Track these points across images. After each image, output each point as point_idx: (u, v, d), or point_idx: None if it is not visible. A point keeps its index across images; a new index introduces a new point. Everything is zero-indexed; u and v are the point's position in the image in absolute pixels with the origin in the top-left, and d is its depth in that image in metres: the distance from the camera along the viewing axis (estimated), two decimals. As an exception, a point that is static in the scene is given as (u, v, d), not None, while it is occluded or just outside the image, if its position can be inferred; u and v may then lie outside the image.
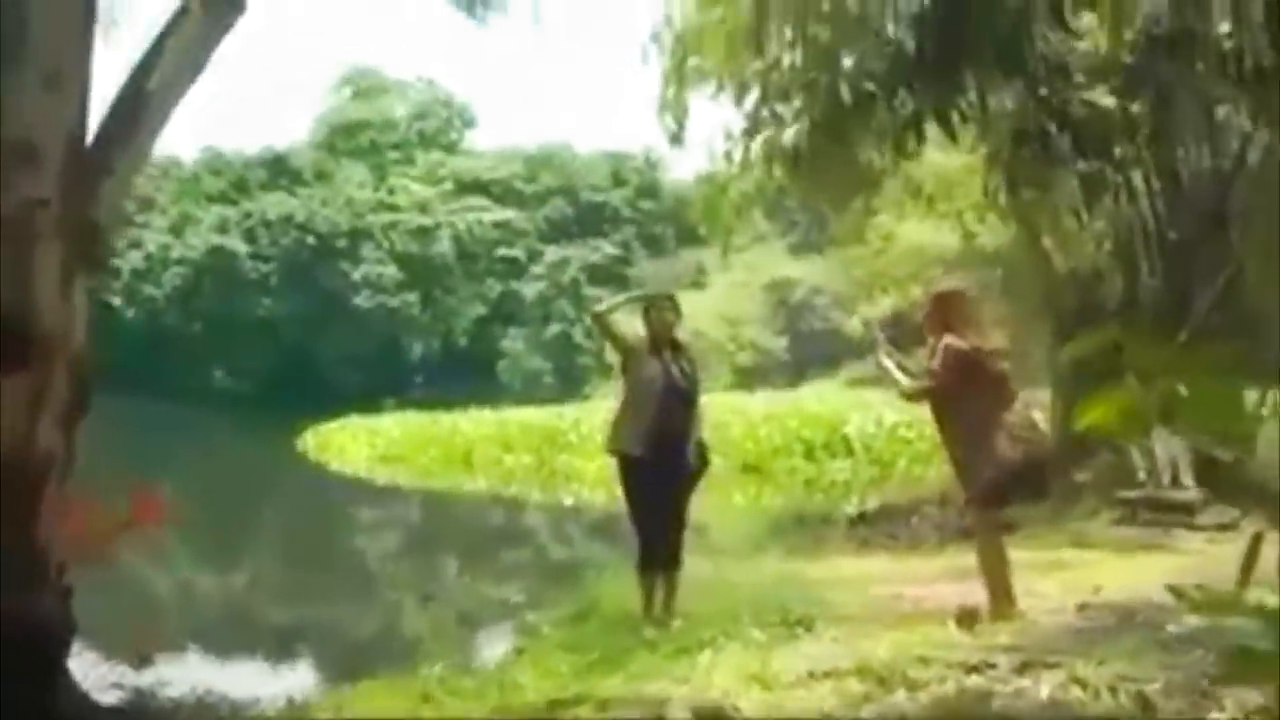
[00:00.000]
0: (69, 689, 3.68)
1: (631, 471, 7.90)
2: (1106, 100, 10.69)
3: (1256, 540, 3.37)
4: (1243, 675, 3.99)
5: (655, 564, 7.85)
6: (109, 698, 4.44)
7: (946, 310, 7.35)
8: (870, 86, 9.19)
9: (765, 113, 12.63)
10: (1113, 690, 5.03)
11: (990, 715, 4.84)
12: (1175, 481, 11.81)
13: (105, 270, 4.04)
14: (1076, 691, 5.10)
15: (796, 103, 10.00)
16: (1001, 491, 7.14)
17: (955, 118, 8.90)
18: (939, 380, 7.10)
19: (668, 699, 4.82)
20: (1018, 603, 7.10)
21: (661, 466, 7.73)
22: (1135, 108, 10.90)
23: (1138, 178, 12.93)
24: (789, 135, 9.85)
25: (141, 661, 4.61)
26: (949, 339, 7.12)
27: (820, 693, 5.22)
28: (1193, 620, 5.74)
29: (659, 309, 8.20)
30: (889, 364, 7.67)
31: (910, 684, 5.26)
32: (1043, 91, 10.16)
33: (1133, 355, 3.36)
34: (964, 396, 7.07)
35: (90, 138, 3.99)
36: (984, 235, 21.90)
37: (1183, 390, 3.39)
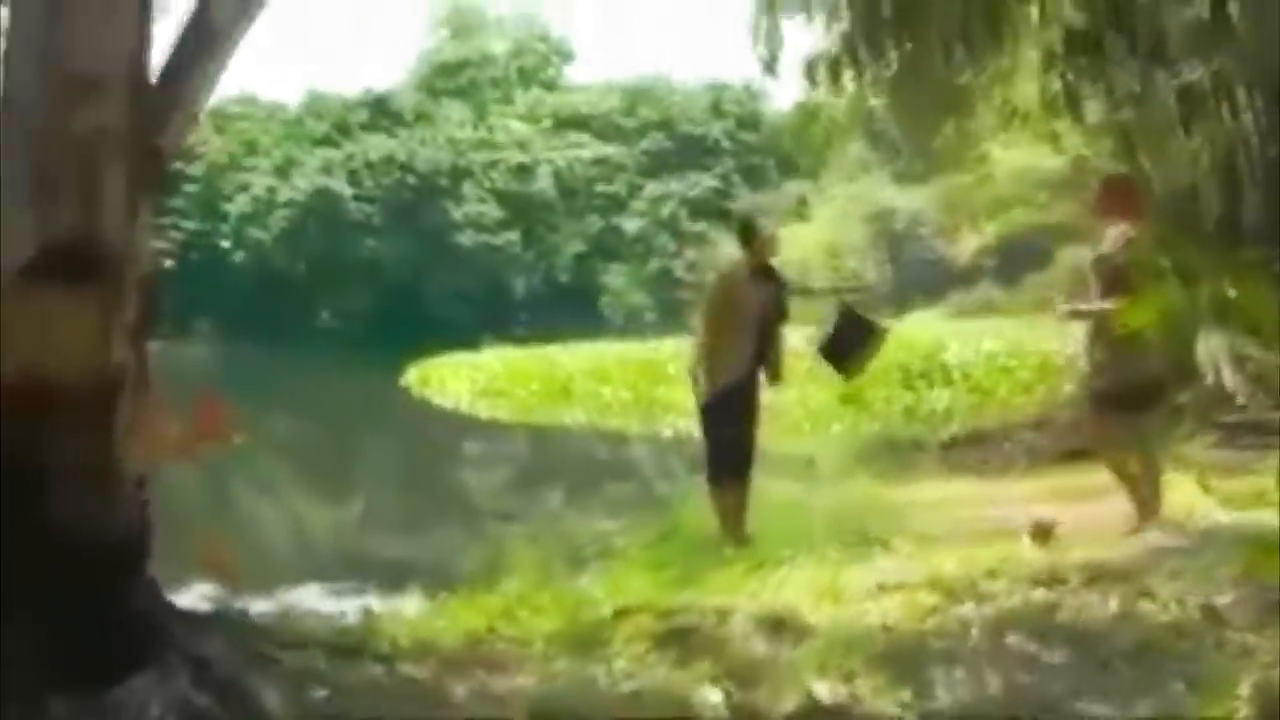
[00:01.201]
0: (150, 593, 3.87)
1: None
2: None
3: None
4: (1256, 568, 3.97)
5: (720, 476, 7.83)
6: (198, 605, 4.63)
7: (1115, 197, 7.22)
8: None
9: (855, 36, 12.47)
10: (1180, 603, 5.01)
11: (1054, 626, 4.86)
12: (1219, 379, 11.47)
13: (166, 194, 4.17)
14: (1145, 604, 5.09)
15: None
16: (1113, 401, 6.94)
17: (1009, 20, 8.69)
18: (1115, 268, 6.83)
19: (731, 610, 4.91)
20: (1157, 512, 6.96)
21: None
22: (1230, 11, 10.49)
23: (1239, 91, 12.53)
24: (828, 45, 9.74)
25: (218, 578, 4.81)
26: (1121, 227, 6.95)
27: (887, 605, 5.28)
28: (1219, 517, 5.69)
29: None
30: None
31: (978, 596, 5.29)
32: None
33: (1178, 258, 3.37)
34: (1115, 292, 6.84)
35: (159, 70, 4.12)
36: (1094, 159, 21.32)
37: (1230, 291, 3.39)
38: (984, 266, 39.41)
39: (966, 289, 39.59)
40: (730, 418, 7.78)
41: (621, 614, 4.91)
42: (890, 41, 9.22)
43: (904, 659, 4.39)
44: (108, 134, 3.59)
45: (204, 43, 4.22)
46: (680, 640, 4.39)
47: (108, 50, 3.60)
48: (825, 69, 10.33)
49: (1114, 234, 6.95)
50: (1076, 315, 7.59)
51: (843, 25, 10.38)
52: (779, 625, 4.66)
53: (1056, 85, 10.84)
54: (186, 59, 4.18)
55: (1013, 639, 4.68)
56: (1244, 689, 3.23)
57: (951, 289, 39.89)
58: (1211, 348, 10.98)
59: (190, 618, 4.06)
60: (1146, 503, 6.91)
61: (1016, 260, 36.97)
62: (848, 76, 12.56)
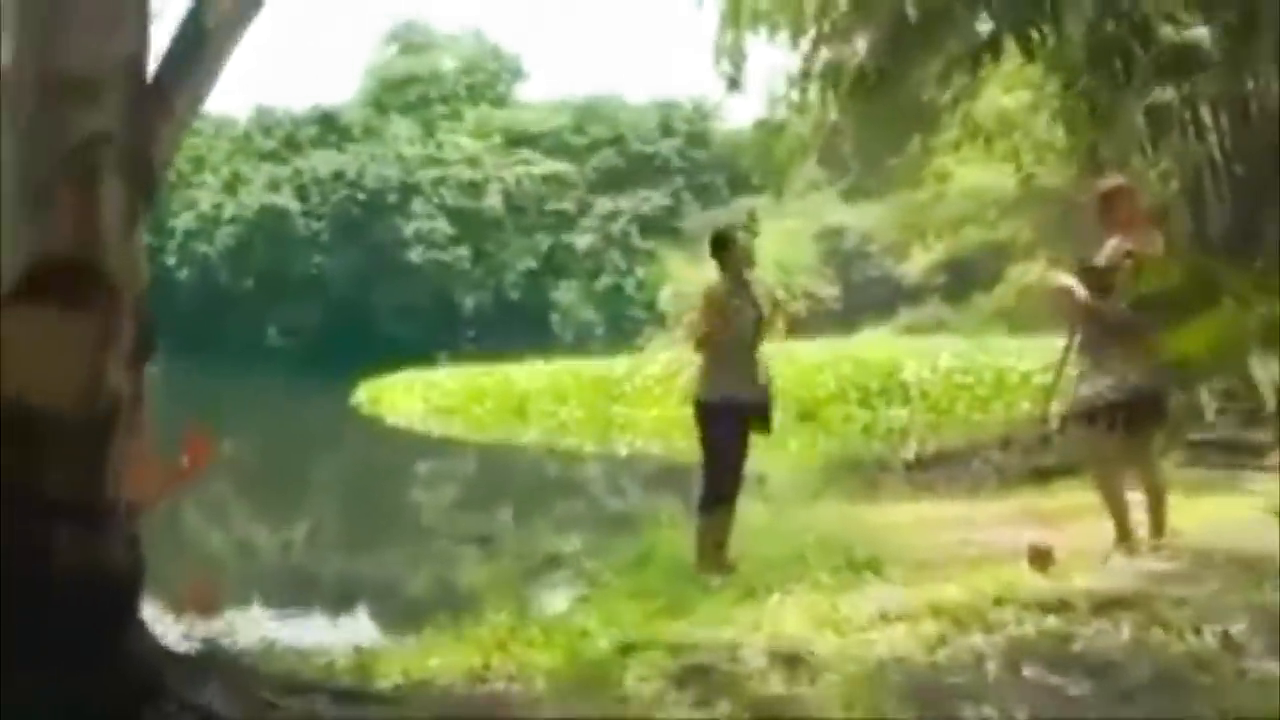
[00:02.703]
0: (142, 635, 3.63)
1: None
2: (1185, 17, 10.30)
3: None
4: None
5: (722, 499, 7.67)
6: (180, 646, 4.40)
7: (1115, 208, 6.99)
8: (941, 2, 8.93)
9: (823, 52, 12.40)
10: (1196, 630, 4.90)
11: (1071, 656, 4.73)
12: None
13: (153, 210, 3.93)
14: (1159, 632, 4.97)
15: (857, 35, 9.76)
16: (1102, 413, 6.75)
17: (1034, 36, 8.60)
18: (1120, 281, 6.58)
19: (740, 643, 4.74)
20: (1162, 533, 6.85)
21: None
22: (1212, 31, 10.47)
23: (1205, 111, 12.58)
24: (852, 58, 9.61)
25: (201, 614, 4.57)
26: (1116, 239, 6.72)
27: (894, 635, 5.12)
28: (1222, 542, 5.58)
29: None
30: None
31: (987, 625, 5.15)
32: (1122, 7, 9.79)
33: (1229, 281, 3.18)
34: (1107, 304, 6.62)
35: (150, 77, 3.89)
36: (1043, 176, 21.42)
37: (1281, 311, 3.22)
38: (933, 284, 39.65)
39: (916, 306, 39.77)
40: (734, 441, 7.64)
41: (626, 650, 4.72)
42: (917, 54, 9.11)
43: (925, 693, 4.24)
44: (106, 142, 3.35)
45: (197, 47, 3.99)
46: (696, 679, 4.20)
47: (107, 51, 3.37)
48: (849, 80, 10.14)
49: (1111, 246, 6.79)
50: (1062, 302, 7.17)
51: (863, 38, 10.22)
52: (793, 660, 4.48)
53: (1072, 105, 10.72)
54: (179, 64, 3.94)
55: (1030, 671, 4.53)
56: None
57: (901, 306, 40.07)
58: (1272, 372, 10.82)
59: (183, 661, 3.81)
60: (1157, 522, 6.84)
61: (965, 278, 37.24)
62: (813, 93, 12.47)
